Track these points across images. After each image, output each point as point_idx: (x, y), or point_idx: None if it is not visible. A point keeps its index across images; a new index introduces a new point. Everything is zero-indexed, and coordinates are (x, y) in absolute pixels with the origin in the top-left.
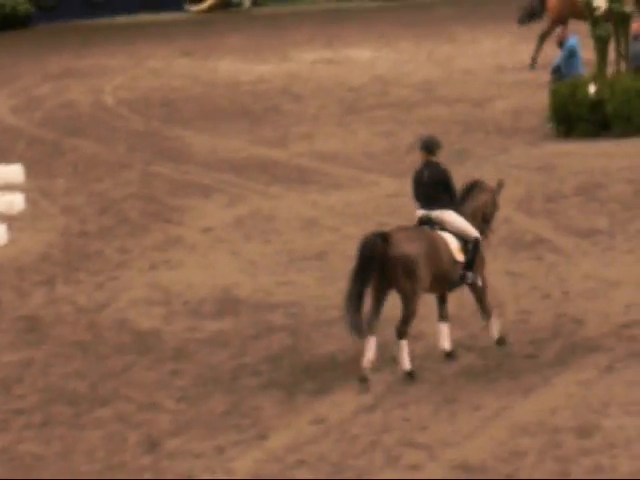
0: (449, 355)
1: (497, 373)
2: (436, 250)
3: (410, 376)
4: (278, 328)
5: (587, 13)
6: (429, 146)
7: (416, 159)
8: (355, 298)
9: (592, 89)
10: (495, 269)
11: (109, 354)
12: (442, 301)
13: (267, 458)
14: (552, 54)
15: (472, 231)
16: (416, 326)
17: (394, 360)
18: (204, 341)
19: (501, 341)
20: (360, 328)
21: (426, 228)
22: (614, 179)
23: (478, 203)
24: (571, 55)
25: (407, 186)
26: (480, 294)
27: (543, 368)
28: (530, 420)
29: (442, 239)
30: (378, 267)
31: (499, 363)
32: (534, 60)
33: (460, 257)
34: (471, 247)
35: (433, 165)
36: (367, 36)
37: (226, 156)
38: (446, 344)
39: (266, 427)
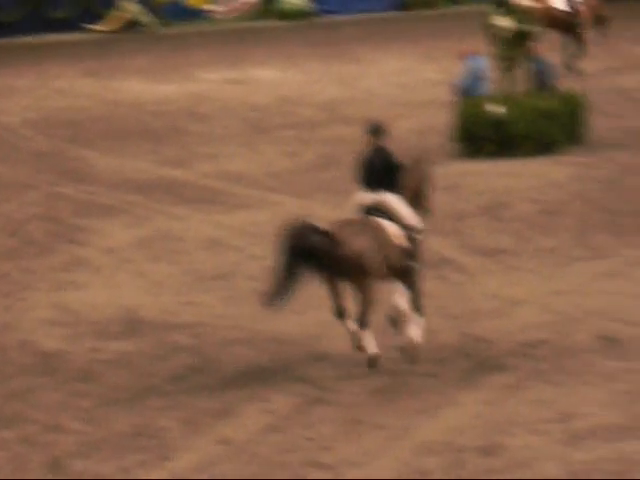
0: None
1: (403, 393)
2: (382, 239)
3: (374, 362)
4: (183, 348)
5: (491, 33)
6: (376, 130)
7: (326, 177)
8: (283, 289)
9: (497, 109)
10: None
11: (13, 375)
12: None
13: (172, 479)
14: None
15: (414, 220)
16: (319, 346)
17: (359, 349)
18: (109, 362)
19: (408, 350)
20: (279, 299)
21: (368, 217)
22: (518, 198)
23: (410, 185)
24: (476, 76)
25: (312, 206)
26: (413, 285)
27: (449, 387)
28: (435, 439)
29: (386, 226)
30: (326, 265)
31: (405, 382)
32: (569, 67)
33: (404, 244)
34: (413, 236)
35: (381, 149)
36: (274, 56)
37: (131, 176)
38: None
39: (171, 448)
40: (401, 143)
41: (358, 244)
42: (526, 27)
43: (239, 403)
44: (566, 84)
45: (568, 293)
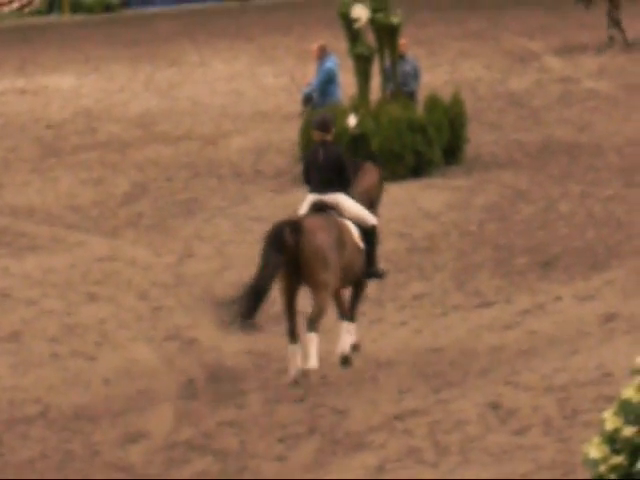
0: (345, 359)
1: None
2: (344, 239)
3: (306, 375)
4: None
5: (346, 26)
6: (324, 125)
7: (139, 210)
8: (261, 290)
9: (353, 121)
10: (235, 348)
11: None
12: (339, 300)
13: None
14: (311, 74)
15: (369, 218)
16: (131, 423)
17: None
18: None
19: (346, 360)
20: (252, 316)
21: (332, 215)
22: (382, 233)
23: (364, 186)
24: (329, 80)
25: (122, 246)
26: (362, 291)
27: (296, 472)
28: None
29: (346, 226)
30: (290, 260)
31: (242, 467)
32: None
33: (362, 246)
34: (369, 235)
35: (329, 145)
36: (69, 59)
37: None
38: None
39: None
40: (233, 165)
41: (322, 237)
42: (385, 18)
43: None
44: (438, 88)
45: (445, 350)
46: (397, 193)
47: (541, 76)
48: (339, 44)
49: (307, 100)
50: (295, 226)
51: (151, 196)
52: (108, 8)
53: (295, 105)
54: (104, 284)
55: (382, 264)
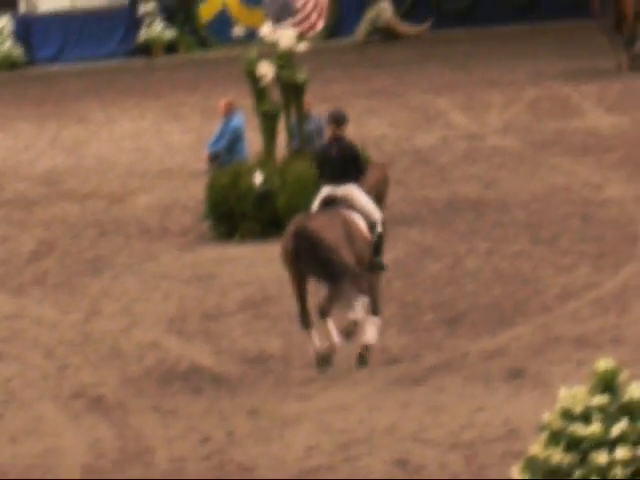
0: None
1: None
2: (352, 232)
3: (327, 359)
4: None
5: (252, 83)
6: (338, 118)
7: (45, 267)
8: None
9: (258, 179)
10: (140, 406)
11: None
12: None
13: None
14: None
15: (376, 211)
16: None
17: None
18: None
19: (363, 359)
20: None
21: (336, 209)
22: (288, 291)
23: (372, 182)
24: (236, 138)
25: (27, 304)
26: (377, 283)
27: None
28: None
29: (354, 219)
30: (302, 259)
31: None
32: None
33: (370, 238)
34: (376, 229)
35: (342, 139)
36: None
37: None
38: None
39: None
40: (139, 222)
41: (329, 233)
42: (291, 75)
43: None
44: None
45: (353, 407)
46: None
47: (447, 133)
48: (245, 101)
49: (213, 158)
50: (300, 232)
51: (57, 254)
52: (13, 66)
53: (201, 163)
54: (10, 342)
55: (286, 322)
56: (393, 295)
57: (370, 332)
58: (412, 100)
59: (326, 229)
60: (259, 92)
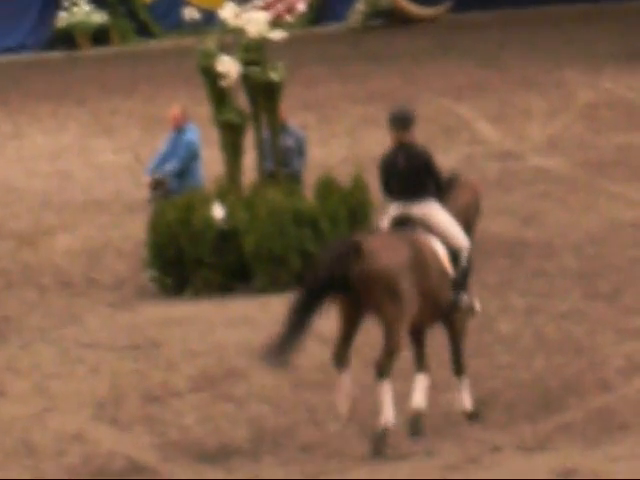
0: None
1: None
2: (423, 260)
3: (383, 437)
4: None
5: (206, 85)
6: (403, 120)
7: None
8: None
9: (219, 212)
10: None
11: None
12: (419, 344)
13: None
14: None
15: (463, 237)
16: None
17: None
18: None
19: (474, 415)
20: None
21: (407, 231)
22: (249, 362)
23: (460, 204)
24: (191, 157)
25: None
26: (460, 329)
27: None
28: None
29: (429, 244)
30: (346, 287)
31: None
32: None
33: (450, 270)
34: (461, 259)
35: (409, 146)
36: None
37: None
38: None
39: None
40: (58, 272)
41: (388, 259)
42: (263, 74)
43: None
44: (334, 168)
45: None
46: (279, 308)
47: (472, 150)
48: (200, 108)
49: (157, 185)
50: (354, 247)
51: None
52: None
53: (141, 191)
54: None
55: (255, 405)
56: (399, 369)
57: (466, 394)
58: (425, 106)
59: (386, 251)
60: (219, 96)
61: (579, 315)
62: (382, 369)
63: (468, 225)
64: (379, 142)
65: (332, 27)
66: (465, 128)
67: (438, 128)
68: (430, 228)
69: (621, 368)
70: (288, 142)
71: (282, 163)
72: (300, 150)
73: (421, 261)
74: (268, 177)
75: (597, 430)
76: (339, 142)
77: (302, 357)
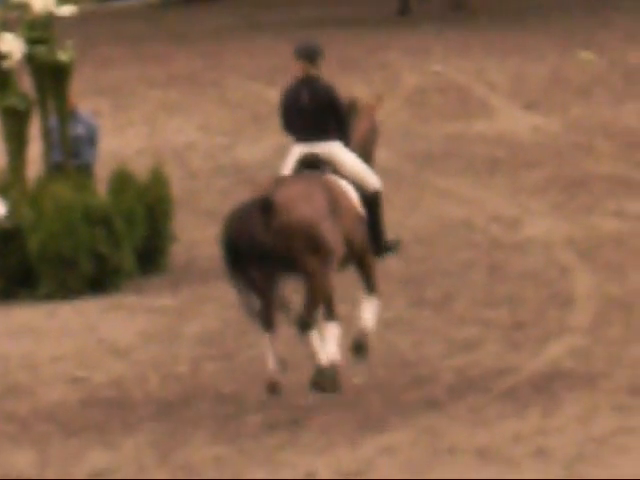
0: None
1: None
2: (338, 204)
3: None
4: None
5: None
6: (310, 51)
7: None
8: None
9: (0, 209)
10: None
11: None
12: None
13: None
14: None
15: (373, 179)
16: None
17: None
18: None
19: (361, 348)
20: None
21: (316, 173)
22: (44, 376)
23: (360, 133)
24: None
25: None
26: (371, 269)
27: None
28: None
29: (341, 187)
30: (262, 252)
31: None
32: None
33: (363, 213)
34: (371, 202)
35: (314, 79)
36: None
37: None
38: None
39: None
40: None
41: (305, 209)
42: (51, 54)
43: None
44: (129, 160)
45: None
46: (68, 316)
47: (285, 140)
48: None
49: None
50: (264, 205)
51: None
52: None
53: None
54: None
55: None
56: (203, 385)
57: (368, 316)
58: (233, 92)
59: (302, 201)
60: (1, 79)
61: (404, 324)
62: (306, 322)
63: (367, 154)
64: (181, 130)
65: (128, 2)
66: (276, 116)
67: (247, 115)
68: (337, 170)
69: (451, 384)
70: (78, 130)
71: (72, 154)
72: (92, 140)
73: (337, 205)
74: (56, 170)
75: (424, 453)
76: (136, 131)
77: (95, 372)
